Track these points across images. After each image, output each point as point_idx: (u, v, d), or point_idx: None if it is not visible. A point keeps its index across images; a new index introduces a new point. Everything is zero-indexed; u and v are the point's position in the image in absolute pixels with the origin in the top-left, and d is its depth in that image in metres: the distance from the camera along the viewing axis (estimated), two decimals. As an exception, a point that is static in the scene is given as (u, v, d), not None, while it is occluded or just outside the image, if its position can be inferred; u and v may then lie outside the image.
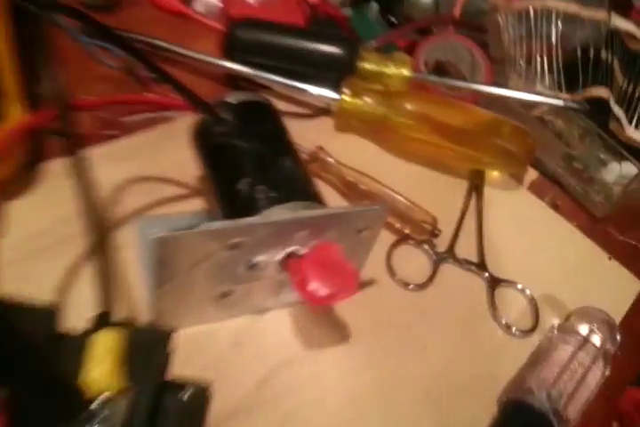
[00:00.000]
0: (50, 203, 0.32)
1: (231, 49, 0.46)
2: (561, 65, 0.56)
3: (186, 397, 0.20)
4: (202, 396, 0.21)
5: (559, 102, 0.50)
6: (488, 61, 0.53)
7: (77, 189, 0.21)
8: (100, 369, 0.17)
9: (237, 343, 0.29)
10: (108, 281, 0.20)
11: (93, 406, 0.17)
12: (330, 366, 0.29)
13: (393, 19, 0.57)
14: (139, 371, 0.18)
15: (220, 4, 0.53)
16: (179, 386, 0.21)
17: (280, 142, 0.31)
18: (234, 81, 0.47)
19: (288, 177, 0.29)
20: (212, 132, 0.31)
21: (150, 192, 0.35)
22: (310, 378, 0.29)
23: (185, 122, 0.41)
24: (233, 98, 0.32)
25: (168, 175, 0.37)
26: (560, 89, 0.55)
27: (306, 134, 0.35)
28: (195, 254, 0.25)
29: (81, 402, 0.16)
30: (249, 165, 0.29)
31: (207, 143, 0.31)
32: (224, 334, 0.29)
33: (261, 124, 0.32)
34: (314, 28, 0.50)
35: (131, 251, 0.31)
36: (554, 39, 0.57)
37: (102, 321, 0.19)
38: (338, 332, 0.31)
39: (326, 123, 0.46)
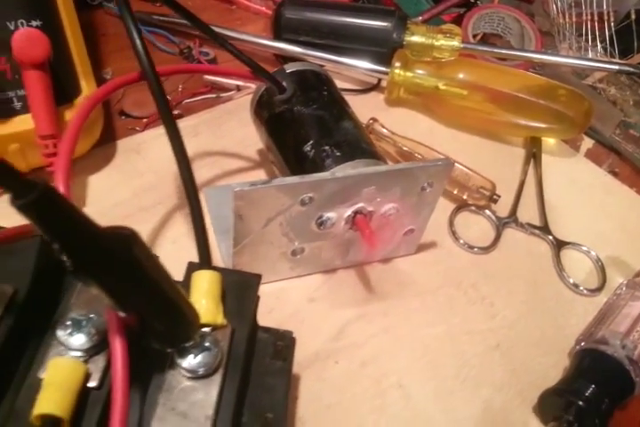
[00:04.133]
0: (126, 176, 0.34)
1: (280, 29, 0.47)
2: (613, 31, 0.55)
3: (276, 338, 0.21)
4: (289, 339, 0.22)
5: (614, 67, 0.48)
6: (538, 31, 0.52)
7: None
8: (204, 303, 0.18)
9: (312, 298, 0.30)
10: (203, 228, 0.21)
11: (201, 334, 0.18)
12: (401, 320, 0.30)
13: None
14: (234, 309, 0.20)
15: (266, -10, 0.55)
16: (267, 329, 0.22)
17: (338, 106, 0.32)
18: (284, 62, 0.48)
19: (350, 137, 0.30)
20: (273, 100, 0.32)
21: (214, 166, 0.37)
22: (383, 330, 0.29)
23: (239, 102, 0.43)
24: (290, 68, 0.34)
25: (229, 150, 0.38)
26: (612, 56, 0.54)
27: (358, 109, 0.36)
28: (269, 209, 0.26)
29: (194, 328, 0.17)
30: (312, 128, 0.30)
31: (270, 112, 0.33)
32: (299, 290, 0.30)
33: (318, 90, 0.33)
34: (359, 4, 0.51)
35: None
36: (605, 5, 0.56)
37: (202, 263, 0.20)
38: (407, 289, 0.32)
39: (377, 97, 0.46)
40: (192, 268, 0.20)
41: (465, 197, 0.39)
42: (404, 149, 0.40)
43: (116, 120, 0.39)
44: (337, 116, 0.31)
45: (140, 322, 0.16)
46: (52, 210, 0.12)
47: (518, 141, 0.45)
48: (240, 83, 0.43)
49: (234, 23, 0.52)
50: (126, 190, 0.33)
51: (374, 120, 0.41)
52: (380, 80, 0.47)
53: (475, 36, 0.52)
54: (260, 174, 0.37)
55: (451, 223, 0.38)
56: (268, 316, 0.27)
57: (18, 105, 0.29)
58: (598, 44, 0.56)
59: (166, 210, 0.33)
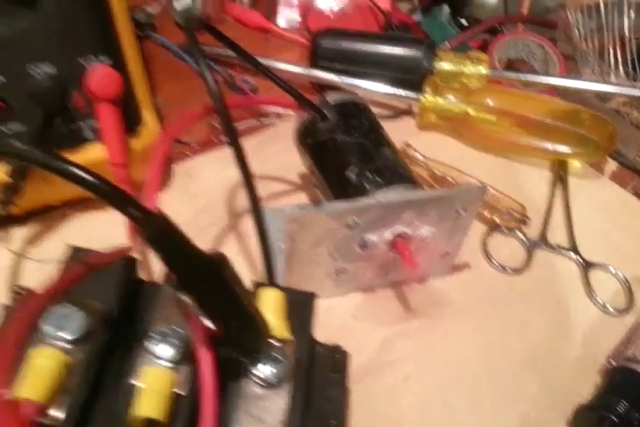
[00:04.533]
0: (183, 199, 0.37)
1: (317, 58, 0.50)
2: (635, 55, 0.57)
3: (331, 352, 0.23)
4: (342, 353, 0.24)
5: (637, 92, 0.50)
6: (561, 56, 0.54)
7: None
8: (272, 319, 0.20)
9: (356, 315, 0.32)
10: (268, 250, 0.23)
11: (271, 346, 0.20)
12: (439, 337, 0.32)
13: (462, 20, 0.59)
14: (295, 325, 0.22)
15: (300, 18, 0.58)
16: (321, 344, 0.24)
17: (377, 134, 0.35)
18: (320, 88, 0.50)
19: (389, 164, 0.32)
20: (317, 128, 0.35)
21: (260, 188, 0.39)
22: (423, 347, 0.31)
23: (280, 128, 0.45)
24: (331, 98, 0.36)
25: (272, 173, 0.41)
26: (635, 80, 0.56)
27: (391, 133, 0.38)
28: (318, 232, 0.28)
29: (265, 340, 0.20)
30: (354, 155, 0.32)
31: (314, 139, 0.35)
32: (342, 308, 0.32)
33: (358, 119, 0.35)
34: (390, 33, 0.53)
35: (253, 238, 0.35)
36: (626, 30, 0.57)
37: (269, 282, 0.22)
38: (443, 308, 0.34)
39: (409, 122, 0.49)
40: (257, 286, 0.22)
41: (496, 218, 0.41)
42: (437, 172, 0.42)
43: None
44: (376, 143, 0.33)
45: (223, 332, 0.18)
46: (169, 238, 0.15)
47: (545, 164, 0.47)
48: (281, 110, 0.46)
49: (270, 51, 0.55)
50: (186, 213, 0.36)
51: (408, 145, 0.43)
52: (410, 105, 0.49)
53: (500, 62, 0.54)
54: (302, 197, 0.39)
55: (484, 244, 0.39)
56: (316, 331, 0.29)
57: (89, 134, 0.32)
58: (620, 68, 0.57)
59: (218, 231, 0.35)
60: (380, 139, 0.34)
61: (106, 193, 0.15)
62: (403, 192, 0.30)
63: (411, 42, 0.48)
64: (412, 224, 0.31)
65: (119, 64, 0.32)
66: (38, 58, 0.30)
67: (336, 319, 0.31)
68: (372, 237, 0.30)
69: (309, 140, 0.35)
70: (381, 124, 0.36)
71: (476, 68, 0.48)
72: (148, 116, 0.35)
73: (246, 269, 0.22)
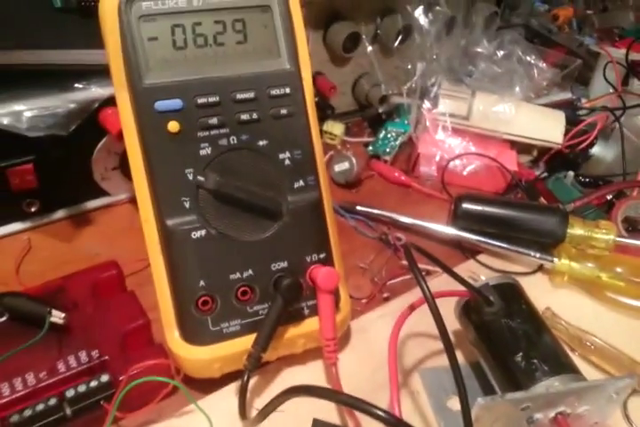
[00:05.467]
0: (361, 357, 0.45)
1: (457, 217, 0.58)
2: None
3: None
4: None
5: None
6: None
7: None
8: None
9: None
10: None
11: None
12: None
13: (584, 179, 0.66)
14: None
15: (436, 174, 0.68)
16: None
17: (537, 319, 0.42)
18: (459, 244, 0.59)
19: (552, 351, 0.39)
20: (482, 310, 0.42)
21: (422, 345, 0.47)
22: None
23: (435, 285, 0.53)
24: (492, 281, 0.44)
25: (431, 332, 0.48)
26: None
27: (527, 289, 0.45)
28: (497, 413, 0.35)
29: None
30: (520, 341, 0.39)
31: (478, 317, 0.42)
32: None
33: (518, 303, 0.42)
34: (527, 202, 0.62)
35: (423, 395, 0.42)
36: None
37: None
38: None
39: (542, 278, 0.55)
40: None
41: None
42: (574, 336, 0.48)
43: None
44: (538, 329, 0.40)
45: None
46: None
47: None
48: (430, 268, 0.54)
49: (411, 205, 0.64)
50: (366, 370, 0.43)
51: (548, 309, 0.49)
52: (543, 264, 0.56)
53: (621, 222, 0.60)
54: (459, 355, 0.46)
55: (624, 408, 0.44)
56: None
57: (306, 312, 0.41)
58: None
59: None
60: (540, 325, 0.41)
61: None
62: (567, 382, 0.36)
63: (547, 210, 0.56)
64: (571, 405, 0.37)
65: (330, 258, 0.42)
66: (278, 257, 0.40)
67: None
68: (539, 415, 0.37)
69: (473, 317, 0.43)
70: (536, 308, 0.43)
71: (605, 236, 0.54)
72: (344, 294, 0.44)
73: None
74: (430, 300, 0.34)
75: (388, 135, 0.70)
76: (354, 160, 0.64)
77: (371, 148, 0.70)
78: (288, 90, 0.40)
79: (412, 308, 0.38)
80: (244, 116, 0.39)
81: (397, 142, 0.69)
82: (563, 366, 0.38)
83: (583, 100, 0.73)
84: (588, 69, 0.79)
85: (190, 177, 0.38)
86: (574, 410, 0.37)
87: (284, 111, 0.40)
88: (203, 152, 0.38)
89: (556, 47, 0.79)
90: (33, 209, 0.52)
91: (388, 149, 0.69)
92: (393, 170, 0.68)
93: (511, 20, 0.82)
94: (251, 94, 0.39)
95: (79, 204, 0.55)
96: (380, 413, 0.24)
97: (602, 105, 0.69)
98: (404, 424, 0.24)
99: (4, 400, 0.36)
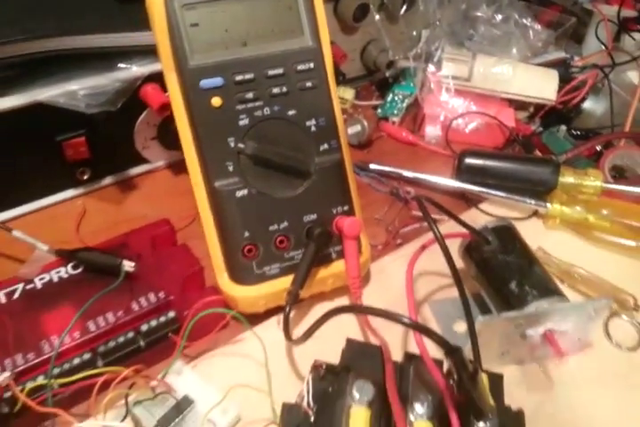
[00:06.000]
0: (383, 291, 0.53)
1: (460, 172, 0.65)
2: None
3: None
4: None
5: None
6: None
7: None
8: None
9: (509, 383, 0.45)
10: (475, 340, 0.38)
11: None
12: (566, 408, 0.45)
13: (576, 132, 0.73)
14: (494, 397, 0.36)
15: (440, 133, 0.74)
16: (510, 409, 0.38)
17: (529, 255, 0.49)
18: (462, 195, 0.66)
19: (541, 280, 0.47)
20: (481, 249, 0.50)
21: (430, 282, 0.54)
22: (567, 410, 0.45)
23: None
24: (490, 224, 0.51)
25: (440, 271, 0.56)
26: None
27: (523, 232, 0.52)
28: (496, 329, 0.43)
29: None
30: (515, 272, 0.47)
31: (478, 254, 0.50)
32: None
33: (513, 242, 0.50)
34: (523, 156, 0.68)
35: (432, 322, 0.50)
36: None
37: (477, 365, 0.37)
38: (570, 382, 0.47)
39: (536, 223, 0.63)
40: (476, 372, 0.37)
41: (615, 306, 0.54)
42: (564, 270, 0.56)
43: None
44: (529, 263, 0.48)
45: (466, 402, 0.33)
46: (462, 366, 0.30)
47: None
48: (437, 217, 0.61)
49: (418, 161, 0.71)
50: (385, 304, 0.51)
51: (541, 249, 0.57)
52: (537, 211, 0.63)
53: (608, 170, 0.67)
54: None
55: (606, 328, 0.52)
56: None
57: (334, 256, 0.49)
58: None
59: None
60: (531, 259, 0.48)
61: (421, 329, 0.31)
62: (553, 303, 0.44)
63: (541, 162, 0.63)
64: (557, 322, 0.45)
65: (352, 210, 0.49)
66: (308, 211, 0.48)
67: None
68: (530, 331, 0.45)
69: (474, 255, 0.50)
70: (529, 246, 0.50)
71: (594, 183, 0.61)
72: (365, 240, 0.51)
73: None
74: (440, 239, 0.42)
75: (396, 98, 0.75)
76: (365, 123, 0.70)
77: (380, 110, 0.76)
78: (312, 65, 0.46)
79: (424, 247, 0.45)
80: (275, 90, 0.45)
81: (404, 104, 0.75)
82: (550, 290, 0.46)
83: (576, 58, 0.78)
84: (583, 27, 0.84)
85: (232, 145, 0.45)
86: (560, 327, 0.45)
87: (309, 84, 0.46)
88: (241, 123, 0.45)
89: (551, 6, 0.83)
90: (85, 177, 0.59)
91: (395, 111, 0.75)
92: (401, 130, 0.74)
93: (509, -20, 0.86)
94: (280, 70, 0.45)
95: (124, 171, 0.62)
96: (405, 320, 0.32)
97: (593, 63, 0.74)
98: (421, 327, 0.32)
99: (92, 335, 0.44)
